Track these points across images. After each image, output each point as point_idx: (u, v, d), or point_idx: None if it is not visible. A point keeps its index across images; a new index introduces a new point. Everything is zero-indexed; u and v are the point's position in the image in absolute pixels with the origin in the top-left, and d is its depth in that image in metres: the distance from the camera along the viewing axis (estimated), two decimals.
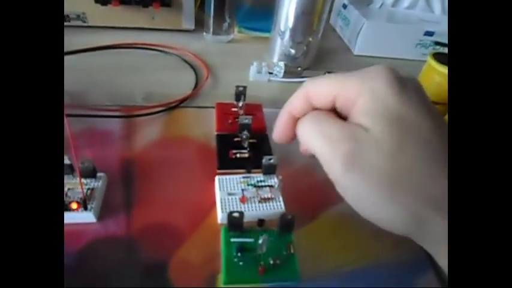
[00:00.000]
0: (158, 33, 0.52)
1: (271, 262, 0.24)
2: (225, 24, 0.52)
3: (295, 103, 0.22)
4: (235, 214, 0.24)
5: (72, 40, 0.46)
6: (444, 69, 0.41)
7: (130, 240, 0.25)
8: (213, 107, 0.38)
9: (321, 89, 0.21)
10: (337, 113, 0.21)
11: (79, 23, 0.49)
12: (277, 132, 0.24)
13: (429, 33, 0.55)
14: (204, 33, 0.54)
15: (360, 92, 0.19)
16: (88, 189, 0.26)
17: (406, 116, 0.18)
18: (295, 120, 0.23)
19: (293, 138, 0.23)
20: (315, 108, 0.22)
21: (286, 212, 0.27)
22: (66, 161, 0.26)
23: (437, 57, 0.43)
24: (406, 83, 0.19)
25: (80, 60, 0.44)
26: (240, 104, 0.36)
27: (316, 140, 0.20)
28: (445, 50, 0.55)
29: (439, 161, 0.18)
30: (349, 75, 0.20)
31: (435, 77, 0.42)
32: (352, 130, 0.19)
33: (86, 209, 0.25)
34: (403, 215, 0.18)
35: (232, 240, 0.25)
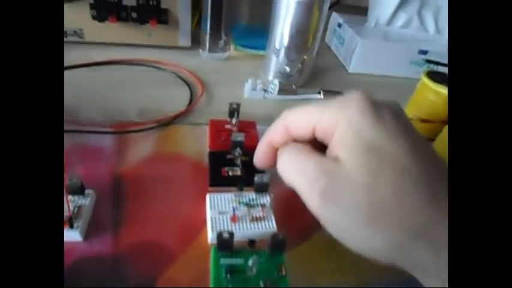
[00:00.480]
0: (155, 50, 0.52)
1: (262, 285, 0.23)
2: (221, 42, 0.53)
3: (274, 135, 0.23)
4: (225, 235, 0.23)
5: (68, 56, 0.46)
6: (438, 88, 0.41)
7: (117, 259, 0.24)
8: (206, 124, 0.37)
9: (299, 120, 0.21)
10: (318, 143, 0.22)
11: (76, 38, 0.50)
12: (258, 160, 0.25)
13: (423, 52, 0.56)
14: (200, 50, 0.54)
15: (337, 122, 0.19)
16: (75, 206, 0.26)
17: (381, 145, 0.18)
18: (275, 150, 0.23)
19: (273, 165, 0.24)
20: (295, 139, 0.22)
21: (277, 231, 0.26)
22: None
23: (431, 75, 0.43)
24: (382, 110, 0.19)
25: (76, 75, 0.44)
26: (234, 121, 0.36)
27: (294, 176, 0.20)
28: (438, 68, 0.56)
29: (419, 190, 0.17)
30: (327, 105, 0.20)
31: (429, 95, 0.42)
32: (326, 165, 0.19)
33: (71, 227, 0.24)
34: (385, 246, 0.18)
35: (222, 261, 0.24)
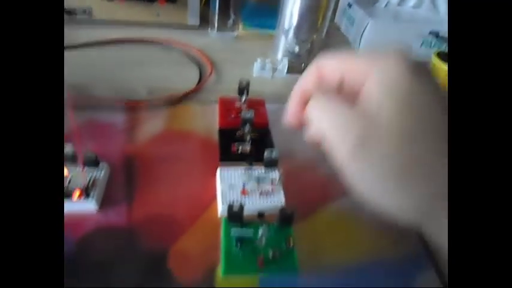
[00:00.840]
0: (163, 29, 0.52)
1: (271, 255, 0.24)
2: (230, 21, 0.52)
3: (306, 78, 0.22)
4: (236, 206, 0.24)
5: (78, 34, 0.47)
6: (447, 67, 0.40)
7: (131, 230, 0.25)
8: (216, 102, 0.38)
9: (331, 64, 0.21)
10: (344, 94, 0.21)
11: (85, 17, 0.50)
12: (289, 114, 0.23)
13: (434, 33, 0.55)
14: (209, 30, 0.54)
15: (370, 71, 0.18)
16: (90, 178, 0.26)
17: (419, 100, 0.17)
18: (306, 101, 0.22)
19: (303, 123, 0.23)
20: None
21: (286, 205, 0.27)
22: (69, 149, 0.26)
23: (442, 56, 0.43)
24: (419, 66, 0.18)
25: (85, 54, 0.45)
26: (243, 98, 0.36)
27: (325, 123, 0.19)
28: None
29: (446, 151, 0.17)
30: (362, 55, 0.20)
31: (440, 76, 0.42)
32: (362, 113, 0.18)
33: (88, 196, 0.25)
34: (413, 205, 0.17)
35: (232, 232, 0.25)
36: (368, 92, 0.18)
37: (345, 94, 0.20)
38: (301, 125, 0.23)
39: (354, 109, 0.18)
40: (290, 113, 0.23)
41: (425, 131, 0.17)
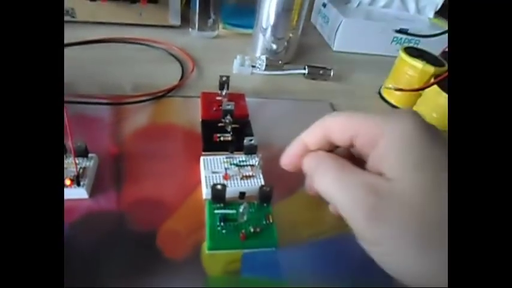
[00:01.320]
0: (145, 29, 0.54)
1: (252, 230, 0.26)
2: (210, 21, 0.55)
3: (311, 135, 0.22)
4: (218, 186, 0.26)
5: None
6: (414, 62, 0.44)
7: (121, 214, 0.27)
8: (198, 97, 0.40)
9: (340, 123, 0.20)
10: (354, 156, 0.21)
11: (68, 18, 0.51)
12: (286, 160, 0.23)
13: (404, 31, 0.59)
14: (190, 29, 0.56)
15: (382, 133, 0.18)
16: (80, 168, 0.28)
17: (436, 164, 0.17)
18: (307, 152, 0.22)
19: (299, 168, 0.23)
20: (330, 150, 0.22)
21: (265, 184, 0.29)
22: None
23: (409, 51, 0.46)
24: (430, 128, 0.18)
25: (69, 53, 0.46)
26: (224, 92, 0.38)
27: (336, 192, 0.19)
28: (418, 44, 0.59)
29: None
30: (372, 114, 0.19)
31: (406, 69, 0.45)
32: (374, 181, 0.17)
33: (78, 185, 0.27)
34: (434, 270, 0.16)
35: (216, 211, 0.27)
36: (380, 156, 0.18)
37: (354, 155, 0.21)
38: (298, 170, 0.23)
39: (366, 176, 0.18)
40: (288, 159, 0.23)
41: (440, 197, 0.16)
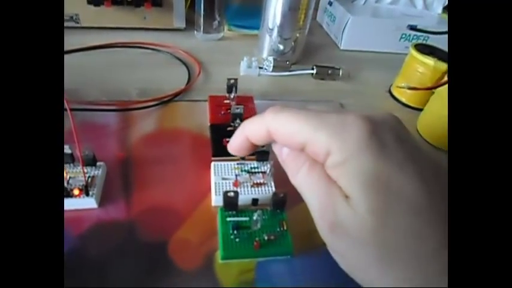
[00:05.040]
0: (150, 33, 0.53)
1: (266, 238, 0.25)
2: (215, 23, 0.54)
3: (255, 134, 0.20)
4: (231, 193, 0.25)
5: (66, 41, 0.47)
6: (425, 59, 0.43)
7: (131, 223, 0.26)
8: (205, 101, 0.39)
9: (285, 130, 0.18)
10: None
11: (72, 24, 0.51)
12: (232, 148, 0.23)
13: (412, 27, 0.57)
14: (195, 32, 0.55)
15: (331, 149, 0.17)
16: (89, 177, 0.27)
17: (388, 180, 0.16)
18: (252, 145, 0.21)
19: (247, 153, 0.23)
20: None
21: (278, 191, 0.28)
22: (67, 150, 0.27)
23: (419, 48, 0.45)
24: (384, 135, 0.17)
25: (75, 59, 0.46)
26: (232, 95, 0.38)
27: (308, 195, 0.19)
28: (426, 41, 0.58)
29: (434, 232, 0.15)
30: (320, 122, 0.17)
31: (417, 67, 0.44)
32: (334, 197, 0.17)
33: (87, 195, 0.26)
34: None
35: (228, 219, 0.26)
36: (334, 171, 0.17)
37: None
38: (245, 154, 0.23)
39: (329, 190, 0.17)
40: (233, 147, 0.22)
41: (399, 216, 0.15)
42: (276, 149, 0.21)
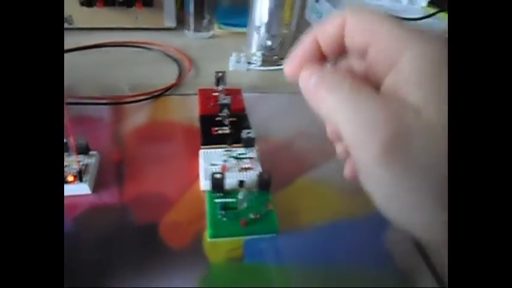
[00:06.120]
0: (142, 32, 0.55)
1: (252, 217, 0.26)
2: (205, 21, 0.55)
3: (327, 27, 0.17)
4: (218, 175, 0.27)
5: None
6: None
7: (123, 207, 0.28)
8: (195, 94, 0.41)
9: (360, 21, 0.16)
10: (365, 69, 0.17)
11: (66, 25, 0.52)
12: (293, 62, 0.18)
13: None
14: (186, 31, 0.57)
15: (406, 50, 0.14)
16: (82, 165, 0.29)
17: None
18: (316, 50, 0.18)
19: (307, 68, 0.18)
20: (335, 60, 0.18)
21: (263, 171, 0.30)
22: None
23: None
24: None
25: (68, 59, 0.47)
26: (220, 88, 0.39)
27: (345, 117, 0.15)
28: None
29: None
30: (395, 27, 0.15)
31: None
32: (396, 104, 0.14)
33: (81, 180, 0.27)
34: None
35: (216, 200, 0.27)
36: (403, 76, 0.14)
37: (366, 68, 0.16)
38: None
39: (385, 97, 0.14)
40: (294, 62, 0.18)
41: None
42: (303, 76, 0.17)
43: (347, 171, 0.20)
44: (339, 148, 0.21)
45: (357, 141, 0.14)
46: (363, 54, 0.16)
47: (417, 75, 0.14)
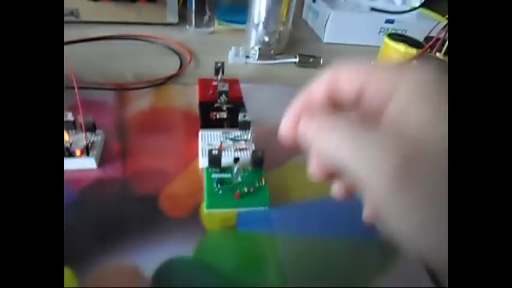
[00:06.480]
0: (145, 27, 0.57)
1: (246, 190, 0.29)
2: (206, 17, 0.58)
3: (317, 85, 0.18)
4: (214, 152, 0.29)
5: (66, 34, 0.51)
6: (397, 45, 0.47)
7: (126, 181, 0.30)
8: (195, 84, 0.43)
9: (349, 72, 0.17)
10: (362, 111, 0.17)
11: (72, 18, 0.54)
12: (286, 124, 0.18)
13: (390, 21, 0.62)
14: (187, 26, 0.59)
15: (399, 82, 0.15)
16: (89, 141, 0.31)
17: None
18: (309, 112, 0.18)
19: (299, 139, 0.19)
20: (332, 110, 0.18)
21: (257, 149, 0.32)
22: (70, 118, 0.30)
23: (392, 37, 0.49)
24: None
25: (74, 50, 0.49)
26: (219, 77, 0.41)
27: (349, 154, 0.14)
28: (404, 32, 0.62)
29: None
30: (385, 65, 0.16)
31: (392, 53, 0.48)
32: (397, 136, 0.14)
33: (88, 155, 0.29)
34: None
35: (213, 175, 0.30)
36: (398, 110, 0.15)
37: (363, 112, 0.17)
38: (296, 141, 0.19)
39: (385, 132, 0.14)
40: (287, 121, 0.18)
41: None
42: (302, 124, 0.18)
43: (365, 215, 0.20)
44: (338, 187, 0.20)
45: (365, 175, 0.14)
46: (356, 103, 0.17)
47: (413, 103, 0.14)
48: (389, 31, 0.63)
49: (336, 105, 0.17)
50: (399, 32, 0.62)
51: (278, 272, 0.25)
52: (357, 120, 0.15)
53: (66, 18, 0.54)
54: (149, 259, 0.24)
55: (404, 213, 0.13)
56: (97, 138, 0.32)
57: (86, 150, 0.30)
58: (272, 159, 0.32)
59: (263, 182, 0.30)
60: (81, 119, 0.29)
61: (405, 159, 0.13)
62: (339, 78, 0.17)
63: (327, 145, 0.16)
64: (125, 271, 0.24)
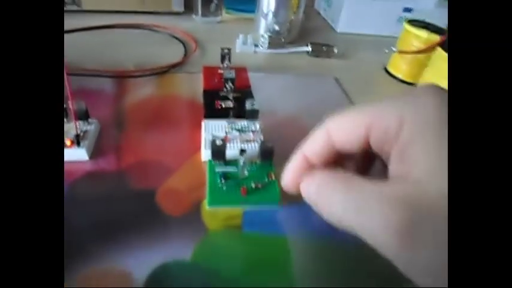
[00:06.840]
0: (150, 16, 0.55)
1: (253, 186, 0.25)
2: (212, 6, 0.55)
3: (312, 144, 0.17)
4: (218, 142, 0.26)
5: (67, 23, 0.49)
6: (419, 32, 0.43)
7: (120, 174, 0.27)
8: (200, 72, 0.40)
9: (346, 123, 0.16)
10: (369, 158, 0.17)
11: (74, 7, 0.52)
12: (287, 178, 0.18)
13: (408, 10, 0.58)
14: (193, 16, 0.56)
15: (402, 121, 0.14)
16: (81, 131, 0.28)
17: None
18: (309, 167, 0.18)
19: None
20: (336, 160, 0.17)
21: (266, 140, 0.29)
22: None
23: (413, 23, 0.45)
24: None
25: (76, 38, 0.47)
26: (225, 64, 0.38)
27: (352, 215, 0.14)
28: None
29: None
30: (387, 100, 0.15)
31: (412, 41, 0.44)
32: (398, 190, 0.13)
33: (78, 145, 0.27)
34: None
35: (217, 170, 0.26)
36: (404, 150, 0.14)
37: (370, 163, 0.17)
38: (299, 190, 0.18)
39: (385, 187, 0.14)
40: (288, 176, 0.18)
41: None
42: (302, 188, 0.18)
43: None
44: None
45: (371, 236, 0.14)
46: (362, 147, 0.16)
47: (416, 144, 0.14)
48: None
49: (329, 160, 0.17)
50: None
51: (288, 279, 0.22)
52: (352, 176, 0.15)
53: (67, 7, 0.52)
54: (142, 263, 0.21)
55: (415, 265, 0.13)
56: (90, 127, 0.29)
57: (77, 140, 0.27)
58: (283, 152, 0.29)
59: (273, 177, 0.26)
60: (72, 106, 0.27)
61: (413, 219, 0.12)
62: (334, 132, 0.16)
63: (330, 211, 0.15)
64: (113, 276, 0.21)
